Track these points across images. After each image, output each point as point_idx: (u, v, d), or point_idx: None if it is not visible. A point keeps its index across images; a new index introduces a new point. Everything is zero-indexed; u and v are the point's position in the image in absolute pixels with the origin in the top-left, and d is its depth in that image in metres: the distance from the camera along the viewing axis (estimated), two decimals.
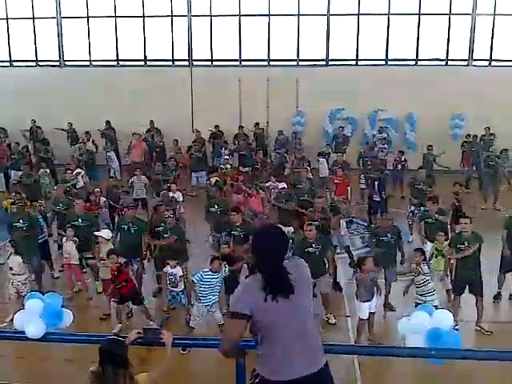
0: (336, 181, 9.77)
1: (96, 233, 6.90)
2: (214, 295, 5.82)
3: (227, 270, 6.11)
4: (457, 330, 4.32)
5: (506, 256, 6.92)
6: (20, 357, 5.52)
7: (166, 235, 6.86)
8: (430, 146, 11.65)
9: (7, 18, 15.05)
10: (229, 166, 10.92)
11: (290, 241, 6.98)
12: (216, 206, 7.73)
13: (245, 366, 2.96)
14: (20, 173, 10.50)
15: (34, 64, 15.17)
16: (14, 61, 15.30)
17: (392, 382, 5.50)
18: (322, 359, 2.49)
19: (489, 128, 12.52)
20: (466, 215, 6.70)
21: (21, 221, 7.10)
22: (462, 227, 6.35)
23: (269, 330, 2.43)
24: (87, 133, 12.97)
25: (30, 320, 2.95)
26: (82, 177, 10.29)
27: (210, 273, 5.83)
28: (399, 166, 11.43)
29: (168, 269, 6.36)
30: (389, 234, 6.79)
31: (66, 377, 5.10)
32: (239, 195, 8.80)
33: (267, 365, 2.46)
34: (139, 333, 3.06)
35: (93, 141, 12.75)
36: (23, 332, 2.99)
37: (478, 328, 6.27)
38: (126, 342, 2.97)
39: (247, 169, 11.16)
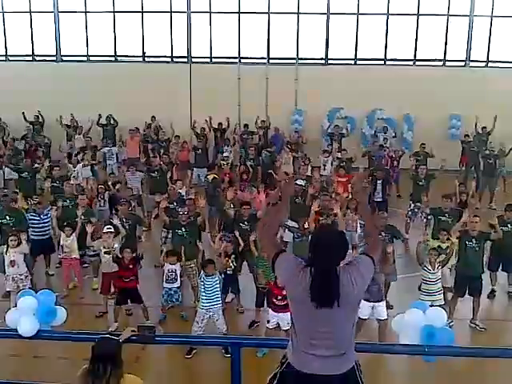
0: (339, 179, 9.77)
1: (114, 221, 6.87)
2: (213, 300, 5.70)
3: (233, 264, 6.21)
4: (451, 327, 4.35)
5: (493, 255, 6.99)
6: (13, 355, 5.48)
7: (179, 231, 6.79)
8: (422, 144, 11.63)
9: (3, 12, 14.94)
10: (229, 162, 10.76)
11: (295, 237, 7.06)
12: (233, 206, 7.58)
13: (240, 364, 2.95)
14: (7, 169, 10.40)
15: (30, 59, 15.06)
16: (11, 55, 15.18)
17: (389, 380, 5.50)
18: (345, 365, 2.47)
19: (485, 127, 12.54)
20: (475, 214, 6.72)
21: (7, 217, 7.07)
22: (471, 226, 6.38)
23: (293, 306, 2.49)
24: (80, 127, 12.88)
25: (23, 318, 2.93)
26: (78, 174, 10.22)
27: (205, 276, 5.81)
28: (395, 163, 11.46)
29: (167, 265, 6.32)
30: (382, 233, 6.71)
31: (59, 375, 5.06)
32: (243, 192, 8.74)
33: (290, 347, 2.52)
34: (133, 330, 3.05)
35: (84, 135, 12.68)
36: (16, 330, 2.97)
37: (473, 325, 6.31)
38: (120, 340, 2.96)
39: (250, 163, 11.03)
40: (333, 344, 2.43)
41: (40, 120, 13.60)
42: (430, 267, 6.15)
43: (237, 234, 6.71)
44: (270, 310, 5.73)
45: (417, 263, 6.44)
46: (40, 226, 7.42)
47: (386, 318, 5.76)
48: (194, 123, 13.23)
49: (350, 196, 9.41)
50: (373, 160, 11.12)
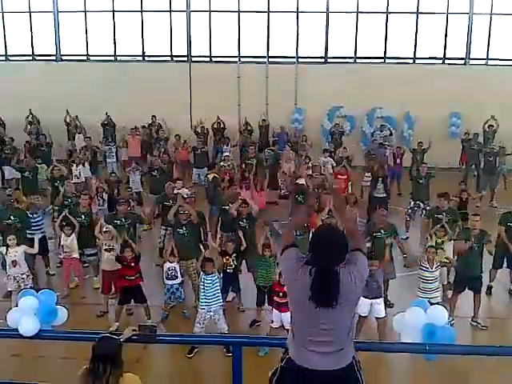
0: (339, 176, 9.75)
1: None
2: (213, 299, 5.69)
3: (234, 263, 6.26)
4: (452, 325, 4.35)
5: (497, 252, 6.97)
6: (14, 354, 5.48)
7: (180, 230, 6.81)
8: (420, 142, 11.66)
9: (3, 12, 14.94)
10: (229, 163, 10.71)
11: (297, 235, 7.04)
12: (231, 205, 7.50)
13: (241, 364, 2.96)
14: (7, 167, 10.38)
15: (30, 58, 15.07)
16: (10, 55, 15.18)
17: (390, 378, 5.51)
18: (343, 360, 2.48)
19: (492, 125, 12.55)
20: (475, 213, 6.71)
21: (11, 217, 7.09)
22: (472, 225, 6.39)
23: (292, 302, 2.52)
24: (80, 127, 12.91)
25: (24, 317, 2.93)
26: (81, 173, 10.20)
27: (204, 275, 5.80)
28: (397, 160, 11.46)
29: (166, 264, 6.34)
30: (382, 231, 6.71)
31: (60, 374, 5.07)
32: (247, 191, 8.74)
33: (291, 342, 2.53)
34: (135, 330, 3.05)
35: (83, 133, 12.68)
36: (17, 329, 2.97)
37: (474, 323, 6.32)
38: (121, 339, 2.96)
39: (251, 161, 11.00)
40: (332, 340, 2.44)
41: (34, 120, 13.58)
42: (427, 265, 6.13)
43: (240, 234, 6.72)
44: (273, 309, 5.68)
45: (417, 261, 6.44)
46: (33, 225, 7.42)
47: (384, 315, 5.75)
48: (200, 121, 13.04)
49: (350, 190, 9.45)
50: (373, 158, 11.10)
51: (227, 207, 7.51)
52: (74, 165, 10.19)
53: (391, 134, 13.31)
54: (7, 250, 6.47)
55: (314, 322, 2.42)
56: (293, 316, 2.55)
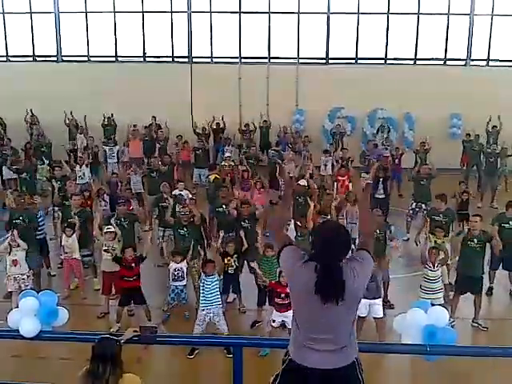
0: (340, 177, 9.77)
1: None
2: (212, 300, 5.68)
3: (235, 264, 6.27)
4: (453, 326, 4.35)
5: (495, 253, 6.93)
6: (14, 355, 5.49)
7: (181, 231, 6.81)
8: (422, 142, 11.68)
9: (4, 13, 14.97)
10: (232, 163, 10.70)
11: (298, 236, 7.07)
12: (224, 206, 7.53)
13: (242, 365, 2.96)
14: (6, 170, 10.39)
15: (31, 59, 15.09)
16: (11, 56, 15.20)
17: (390, 379, 5.50)
18: (343, 359, 2.46)
19: (495, 126, 12.53)
20: (475, 213, 6.71)
21: (21, 217, 7.09)
22: (471, 226, 6.38)
23: (294, 299, 2.50)
24: (81, 127, 12.92)
25: (25, 318, 2.93)
26: (85, 174, 10.21)
27: (205, 276, 5.79)
28: (396, 161, 11.46)
29: (172, 265, 6.33)
30: (378, 231, 6.68)
31: (61, 375, 5.06)
32: (246, 192, 8.74)
33: (292, 341, 2.53)
34: (135, 331, 3.05)
35: (85, 134, 12.69)
36: (18, 330, 2.97)
37: (475, 324, 6.31)
38: (122, 340, 2.96)
39: (251, 161, 10.98)
40: (332, 338, 2.44)
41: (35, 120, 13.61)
42: (430, 264, 6.16)
43: (242, 234, 6.71)
44: (274, 310, 5.67)
45: (418, 262, 6.44)
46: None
47: (382, 316, 5.76)
48: (195, 124, 13.21)
49: (350, 188, 9.45)
50: (368, 159, 11.10)
51: (221, 209, 7.52)
52: (78, 165, 10.20)
53: (388, 135, 13.29)
54: (11, 249, 6.49)
55: (316, 319, 2.42)
56: (295, 313, 2.54)
